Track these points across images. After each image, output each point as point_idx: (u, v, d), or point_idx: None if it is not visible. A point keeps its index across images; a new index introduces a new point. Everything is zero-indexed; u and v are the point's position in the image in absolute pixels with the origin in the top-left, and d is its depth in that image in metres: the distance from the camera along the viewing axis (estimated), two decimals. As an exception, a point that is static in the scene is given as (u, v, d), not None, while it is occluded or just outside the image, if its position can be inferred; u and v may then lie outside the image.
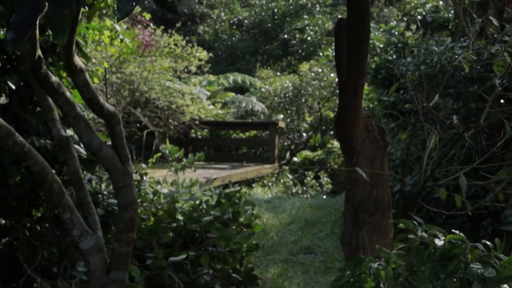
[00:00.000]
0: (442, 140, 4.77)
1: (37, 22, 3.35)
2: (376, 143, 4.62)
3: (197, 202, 6.91)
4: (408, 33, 13.48)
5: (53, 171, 4.02)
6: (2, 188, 5.18)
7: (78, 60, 3.70)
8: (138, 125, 16.09)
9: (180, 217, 6.76)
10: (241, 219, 7.04)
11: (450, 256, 3.25)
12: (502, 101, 8.52)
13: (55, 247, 5.67)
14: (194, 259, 6.19)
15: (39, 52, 3.58)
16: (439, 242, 3.29)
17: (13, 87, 5.12)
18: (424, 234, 3.37)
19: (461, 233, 3.33)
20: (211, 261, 6.42)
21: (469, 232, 8.58)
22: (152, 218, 6.70)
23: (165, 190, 7.34)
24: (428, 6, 12.96)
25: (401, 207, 4.71)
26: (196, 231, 6.55)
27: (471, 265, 3.17)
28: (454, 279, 3.22)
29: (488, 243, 3.33)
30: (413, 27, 13.13)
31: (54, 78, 3.74)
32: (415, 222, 3.48)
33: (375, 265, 3.14)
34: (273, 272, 8.38)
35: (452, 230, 3.35)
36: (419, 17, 12.45)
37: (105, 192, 5.72)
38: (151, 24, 12.73)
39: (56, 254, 5.69)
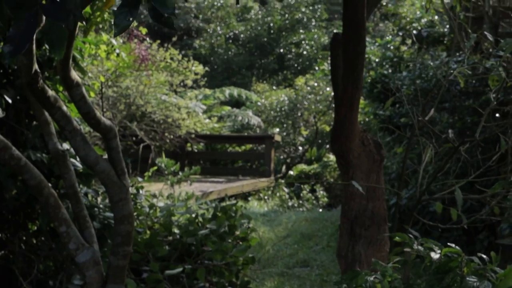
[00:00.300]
0: (437, 154, 4.78)
1: (34, 36, 3.37)
2: (372, 157, 4.64)
3: (193, 215, 6.91)
4: (404, 48, 13.53)
5: (50, 184, 4.02)
6: (-2, 202, 5.18)
7: (75, 74, 3.71)
8: (134, 138, 16.10)
9: (176, 231, 6.77)
10: (237, 233, 7.04)
11: (446, 269, 3.27)
12: (497, 115, 8.56)
13: (51, 260, 5.67)
14: (190, 273, 6.19)
15: (35, 66, 3.59)
16: (435, 256, 3.30)
17: (10, 101, 5.13)
18: (420, 247, 3.38)
19: (457, 247, 3.34)
20: (207, 274, 6.42)
21: (465, 245, 8.58)
22: (148, 232, 6.70)
23: (161, 204, 7.34)
24: (424, 20, 13.03)
25: (397, 220, 4.72)
26: (192, 244, 6.55)
27: (467, 279, 3.18)
28: (450, 292, 3.23)
29: (484, 256, 3.34)
30: (409, 41, 13.19)
31: (51, 92, 3.75)
32: (411, 236, 3.49)
33: (371, 279, 3.15)
34: (269, 286, 8.38)
35: (448, 244, 3.37)
36: (414, 31, 12.51)
37: (101, 206, 5.72)
38: (148, 39, 12.75)
39: (51, 268, 5.68)
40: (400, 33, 12.98)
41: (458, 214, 4.12)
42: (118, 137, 4.06)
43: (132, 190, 6.97)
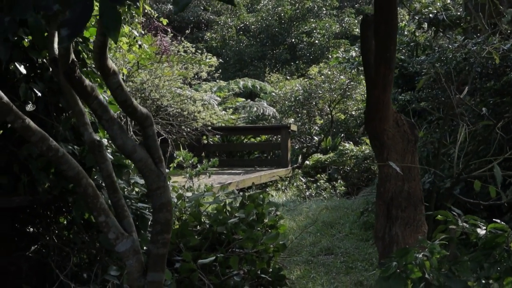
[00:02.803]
0: (471, 132, 4.76)
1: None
2: (406, 138, 4.62)
3: (221, 204, 6.90)
4: (419, 32, 13.46)
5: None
6: (31, 196, 5.18)
7: (111, 63, 3.71)
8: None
9: (205, 220, 6.76)
10: (266, 220, 7.03)
11: (493, 245, 3.25)
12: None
13: (85, 253, 5.67)
14: (222, 261, 6.18)
15: (72, 56, 3.60)
16: (481, 231, 3.29)
17: (39, 94, 5.14)
18: (465, 224, 3.37)
19: (502, 222, 3.32)
20: (239, 263, 6.41)
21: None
22: (177, 222, 6.70)
23: (188, 194, 7.34)
24: (439, 4, 12.95)
25: (435, 200, 4.70)
26: (223, 233, 6.54)
27: (515, 253, 3.16)
28: (498, 268, 3.21)
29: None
30: (425, 25, 13.11)
31: (88, 82, 3.75)
32: (454, 213, 3.47)
33: (420, 256, 3.13)
34: (295, 274, 8.35)
35: (493, 219, 3.35)
36: (430, 15, 12.42)
37: (133, 196, 5.72)
38: (169, 29, 12.73)
39: (85, 260, 5.69)
40: (416, 17, 12.88)
41: (496, 191, 4.10)
42: (154, 125, 4.05)
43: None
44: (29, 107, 5.05)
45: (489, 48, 4.89)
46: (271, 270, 6.62)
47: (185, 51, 16.48)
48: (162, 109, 16.32)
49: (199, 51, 17.42)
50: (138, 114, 3.91)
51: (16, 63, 4.97)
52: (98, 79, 5.66)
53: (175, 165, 8.50)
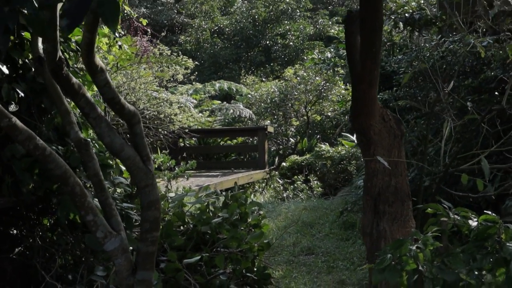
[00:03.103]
0: (456, 127, 4.78)
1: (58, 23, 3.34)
2: (393, 133, 4.64)
3: (204, 204, 6.88)
4: (395, 32, 13.52)
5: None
6: (15, 197, 5.13)
7: (99, 60, 3.68)
8: (127, 135, 15.97)
9: (189, 220, 6.74)
10: (249, 220, 7.02)
11: (485, 236, 3.26)
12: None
13: (69, 254, 5.63)
14: (208, 261, 6.17)
15: (59, 53, 3.57)
16: (473, 223, 3.30)
17: (22, 94, 5.10)
18: (456, 217, 3.38)
19: (493, 214, 3.34)
20: (224, 262, 6.39)
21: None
22: (160, 223, 6.67)
23: (171, 195, 7.32)
24: (414, 4, 13.01)
25: (422, 194, 4.72)
26: (207, 233, 6.52)
27: (507, 244, 3.18)
28: (490, 259, 3.23)
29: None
30: (400, 25, 13.16)
31: (75, 80, 3.73)
32: (444, 206, 3.49)
33: (414, 248, 3.14)
34: (277, 274, 8.35)
35: (484, 211, 3.37)
36: (406, 14, 12.48)
37: (117, 196, 5.69)
38: (149, 30, 12.67)
39: (70, 262, 5.65)
40: (392, 17, 12.94)
41: (484, 184, 4.12)
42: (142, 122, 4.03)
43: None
44: (12, 107, 5.01)
45: (475, 42, 4.90)
46: (256, 269, 6.61)
47: (160, 54, 16.43)
48: (139, 112, 16.22)
49: (175, 54, 17.37)
50: (125, 112, 3.89)
51: (-2, 63, 4.93)
52: (80, 79, 5.62)
53: (155, 167, 8.44)
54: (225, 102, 23.01)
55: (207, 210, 6.83)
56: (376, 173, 4.57)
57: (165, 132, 16.49)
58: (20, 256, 5.53)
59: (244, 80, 25.96)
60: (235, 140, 19.91)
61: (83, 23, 3.47)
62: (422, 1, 13.14)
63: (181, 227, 6.76)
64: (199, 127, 18.87)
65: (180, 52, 21.44)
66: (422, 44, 10.95)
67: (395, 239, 4.31)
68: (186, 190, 8.25)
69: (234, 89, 24.49)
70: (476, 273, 3.20)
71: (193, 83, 22.66)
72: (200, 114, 19.69)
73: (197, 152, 19.60)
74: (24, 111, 5.20)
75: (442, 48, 9.85)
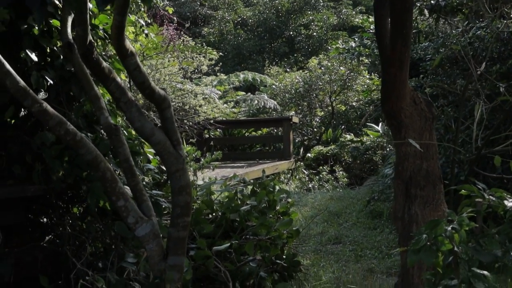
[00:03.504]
0: (488, 109, 4.73)
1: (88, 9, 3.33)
2: (424, 116, 4.59)
3: (233, 192, 6.86)
4: (421, 19, 13.43)
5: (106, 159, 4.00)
6: (45, 184, 5.15)
7: (129, 44, 3.67)
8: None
9: (217, 208, 6.73)
10: (278, 208, 6.99)
11: (522, 217, 3.22)
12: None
13: (100, 242, 5.64)
14: (237, 248, 6.15)
15: (90, 37, 3.57)
16: (509, 204, 3.25)
17: (51, 82, 5.11)
18: (491, 197, 3.34)
19: (529, 194, 3.29)
20: (253, 249, 6.37)
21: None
22: (189, 210, 6.67)
23: (199, 182, 7.31)
24: (439, -10, 12.90)
25: (454, 177, 4.67)
26: (236, 220, 6.50)
27: (544, 224, 3.13)
28: (527, 240, 3.18)
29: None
30: (426, 12, 13.06)
31: (105, 64, 3.72)
32: (479, 187, 3.44)
33: (449, 228, 3.10)
34: (305, 262, 8.33)
35: (517, 191, 3.32)
36: (432, 1, 12.38)
37: (147, 184, 5.69)
38: (175, 18, 12.67)
39: (100, 249, 5.66)
40: (418, 4, 12.84)
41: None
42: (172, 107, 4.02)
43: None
44: (42, 95, 5.02)
45: (504, 25, 4.83)
46: (285, 256, 6.59)
47: (185, 45, 16.45)
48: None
49: (199, 45, 17.40)
50: (156, 96, 3.88)
51: (27, 50, 4.93)
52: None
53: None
54: (249, 93, 22.98)
55: (236, 198, 6.80)
56: (407, 157, 4.53)
57: (190, 123, 16.50)
58: (50, 244, 5.55)
59: (268, 71, 25.92)
60: (260, 131, 19.87)
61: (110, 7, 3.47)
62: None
63: (210, 215, 6.75)
64: (224, 118, 18.84)
65: (203, 43, 21.48)
66: (448, 31, 10.85)
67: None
68: (213, 181, 8.26)
69: (259, 80, 24.43)
70: (512, 254, 3.16)
71: (218, 74, 22.64)
72: (224, 105, 19.66)
73: (222, 143, 19.58)
74: (53, 99, 5.21)
75: (469, 34, 9.76)
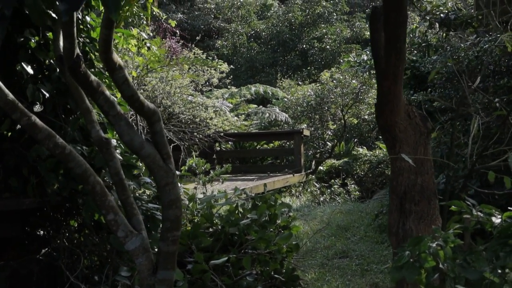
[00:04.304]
0: (484, 124, 4.69)
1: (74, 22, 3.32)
2: (418, 130, 4.56)
3: (233, 206, 6.84)
4: (431, 33, 13.39)
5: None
6: (40, 197, 5.15)
7: (117, 57, 3.65)
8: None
9: (217, 221, 6.70)
10: (278, 221, 6.96)
11: (509, 233, 3.17)
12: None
13: (96, 255, 5.63)
14: (235, 262, 6.12)
15: (77, 50, 3.55)
16: (496, 220, 3.21)
17: (47, 94, 5.11)
18: (479, 213, 3.30)
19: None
20: (252, 263, 6.34)
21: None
22: (188, 224, 6.64)
23: (200, 196, 7.29)
24: (450, 4, 12.87)
25: (449, 193, 4.63)
26: (235, 234, 6.48)
27: (531, 242, 3.09)
28: (515, 257, 3.13)
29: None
30: (436, 26, 13.03)
31: (93, 77, 3.71)
32: (468, 204, 3.40)
33: (434, 245, 3.06)
34: (310, 276, 8.28)
35: (509, 208, 3.28)
36: (441, 15, 12.35)
37: (144, 197, 5.67)
38: (178, 31, 12.70)
39: (96, 262, 5.65)
40: (427, 17, 12.81)
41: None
42: (162, 120, 4.00)
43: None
44: (37, 107, 5.03)
45: (502, 37, 4.80)
46: (284, 270, 6.55)
47: (195, 57, 16.49)
48: (174, 116, 16.30)
49: (210, 58, 17.42)
50: (145, 109, 3.86)
51: (23, 63, 4.94)
52: (107, 80, 5.63)
53: (186, 168, 8.43)
54: (261, 106, 22.97)
55: (236, 211, 6.78)
56: (402, 172, 4.50)
57: (201, 136, 16.51)
58: (46, 257, 5.54)
59: (280, 83, 25.92)
60: (271, 144, 19.86)
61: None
62: (458, 2, 12.99)
63: (210, 229, 6.72)
64: (235, 131, 18.85)
65: (215, 56, 21.51)
66: (458, 45, 10.80)
67: (422, 239, 4.23)
68: (221, 193, 8.23)
69: (270, 93, 24.43)
70: (500, 271, 3.10)
71: (228, 87, 22.66)
72: (235, 118, 19.66)
73: (233, 156, 19.59)
74: (49, 112, 5.22)
75: (477, 47, 9.70)
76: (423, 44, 12.81)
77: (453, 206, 3.45)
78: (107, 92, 3.77)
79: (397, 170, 4.55)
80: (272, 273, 6.41)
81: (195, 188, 9.56)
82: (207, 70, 16.99)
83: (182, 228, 6.39)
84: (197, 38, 19.57)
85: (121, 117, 3.80)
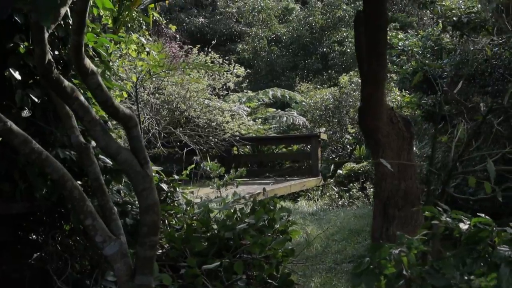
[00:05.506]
0: (469, 129, 4.64)
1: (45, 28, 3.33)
2: (401, 135, 4.52)
3: (231, 210, 6.83)
4: (444, 36, 13.31)
5: (74, 179, 3.99)
6: (29, 202, 5.17)
7: (89, 62, 3.66)
8: (178, 143, 16.00)
9: (214, 226, 6.70)
10: (277, 226, 6.94)
11: (476, 240, 3.13)
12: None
13: (87, 259, 5.65)
14: (229, 267, 6.10)
15: (49, 56, 3.56)
16: (464, 226, 3.17)
17: (36, 100, 5.13)
18: (448, 219, 3.26)
19: (486, 217, 3.21)
20: (247, 268, 6.32)
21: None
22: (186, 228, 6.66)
23: (197, 201, 7.30)
24: (463, 7, 12.78)
25: (428, 197, 4.59)
26: (230, 238, 6.46)
27: (498, 248, 3.05)
28: (481, 263, 3.09)
29: (515, 226, 3.21)
30: (450, 29, 12.95)
31: (67, 83, 3.71)
32: (440, 209, 3.36)
33: (396, 251, 3.03)
34: (316, 281, 8.25)
35: (478, 214, 3.23)
36: (454, 18, 12.26)
37: (135, 202, 5.68)
38: (178, 36, 12.73)
39: (87, 267, 5.66)
40: (440, 20, 12.73)
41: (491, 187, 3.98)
42: (139, 126, 4.00)
43: (169, 189, 6.97)
44: (25, 113, 5.05)
45: (485, 45, 4.75)
46: (279, 275, 6.52)
47: (212, 62, 16.51)
48: (191, 121, 16.33)
49: (227, 62, 17.42)
50: (120, 115, 3.85)
51: (10, 69, 4.96)
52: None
53: (187, 172, 8.43)
54: (279, 110, 22.93)
55: (235, 216, 6.78)
56: (385, 177, 4.46)
57: (216, 140, 16.50)
58: (38, 261, 5.56)
59: (299, 87, 25.86)
60: (289, 148, 19.82)
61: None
62: (472, 6, 12.89)
63: (208, 233, 6.72)
64: (254, 135, 18.83)
65: (237, 60, 21.52)
66: (472, 48, 10.73)
67: (406, 244, 4.20)
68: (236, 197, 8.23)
69: (288, 97, 24.39)
70: (466, 278, 3.07)
71: (245, 91, 22.64)
72: (252, 122, 19.62)
73: (251, 160, 19.58)
74: (39, 117, 5.24)
75: (487, 50, 9.63)
76: (435, 48, 12.74)
77: (426, 212, 3.41)
78: (82, 98, 3.77)
79: (381, 175, 4.52)
80: (266, 278, 6.38)
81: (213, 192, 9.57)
82: (223, 74, 17.00)
83: (178, 233, 6.42)
84: (213, 42, 19.59)
85: (96, 122, 3.81)
